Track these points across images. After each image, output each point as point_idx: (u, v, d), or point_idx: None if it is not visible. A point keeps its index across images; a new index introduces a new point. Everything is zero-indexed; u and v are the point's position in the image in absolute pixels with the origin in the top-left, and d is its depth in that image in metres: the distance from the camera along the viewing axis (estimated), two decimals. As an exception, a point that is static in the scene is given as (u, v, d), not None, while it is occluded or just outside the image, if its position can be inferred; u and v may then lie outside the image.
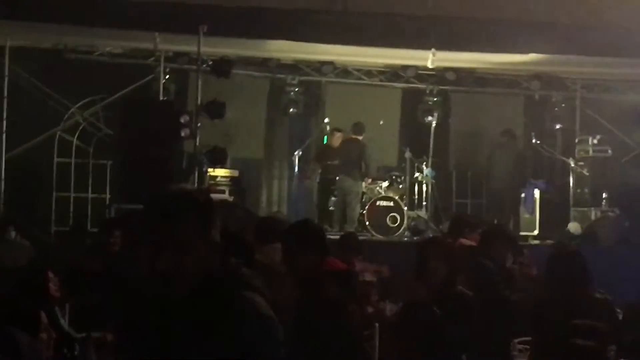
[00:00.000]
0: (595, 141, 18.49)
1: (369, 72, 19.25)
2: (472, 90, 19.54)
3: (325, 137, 18.44)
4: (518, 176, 17.44)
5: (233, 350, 3.39)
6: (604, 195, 18.09)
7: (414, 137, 19.50)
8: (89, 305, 8.25)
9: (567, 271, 7.44)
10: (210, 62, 16.99)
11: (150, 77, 17.46)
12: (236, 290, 3.48)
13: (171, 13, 16.07)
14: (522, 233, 17.36)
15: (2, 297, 6.70)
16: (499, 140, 17.81)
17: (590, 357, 4.94)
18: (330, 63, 18.55)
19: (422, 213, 17.77)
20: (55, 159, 17.10)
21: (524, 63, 18.11)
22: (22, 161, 16.69)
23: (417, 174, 18.12)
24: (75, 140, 17.22)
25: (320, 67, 18.62)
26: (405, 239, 16.83)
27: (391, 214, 16.84)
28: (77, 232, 13.54)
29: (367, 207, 16.88)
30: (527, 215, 18.08)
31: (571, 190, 18.82)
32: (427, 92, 19.34)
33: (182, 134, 15.57)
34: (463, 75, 18.78)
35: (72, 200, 17.06)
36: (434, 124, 18.44)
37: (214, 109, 15.87)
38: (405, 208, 17.08)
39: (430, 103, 19.21)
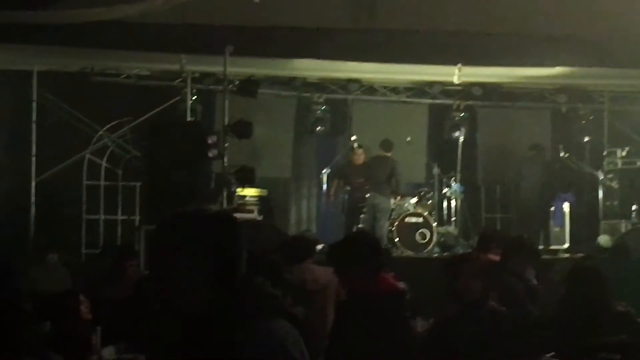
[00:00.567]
0: (623, 153, 18.39)
1: (395, 89, 19.23)
2: (499, 105, 19.47)
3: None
4: (547, 190, 17.39)
5: None
6: (634, 207, 17.97)
7: (441, 153, 19.47)
8: (116, 329, 8.27)
9: (587, 285, 7.42)
10: (237, 82, 17.06)
11: (177, 98, 17.49)
12: (250, 317, 3.44)
13: (197, 34, 16.19)
14: (552, 247, 17.30)
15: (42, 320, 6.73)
16: (527, 155, 17.76)
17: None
18: (357, 81, 18.52)
19: (451, 229, 17.73)
20: (85, 182, 17.18)
21: (550, 76, 18.05)
22: (52, 185, 16.77)
23: (445, 190, 18.10)
24: (104, 163, 17.30)
25: (346, 84, 18.60)
26: (435, 255, 16.76)
27: (420, 230, 16.80)
28: (107, 254, 13.58)
29: (396, 223, 16.84)
30: (556, 229, 18.00)
31: (600, 203, 18.70)
32: (454, 107, 19.29)
33: (210, 155, 15.58)
34: (489, 90, 18.71)
35: (101, 222, 17.14)
36: (461, 140, 18.43)
37: (241, 129, 15.91)
38: (435, 224, 17.04)
39: (457, 119, 19.15)
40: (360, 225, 17.30)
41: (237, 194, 16.45)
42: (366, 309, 6.25)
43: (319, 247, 13.08)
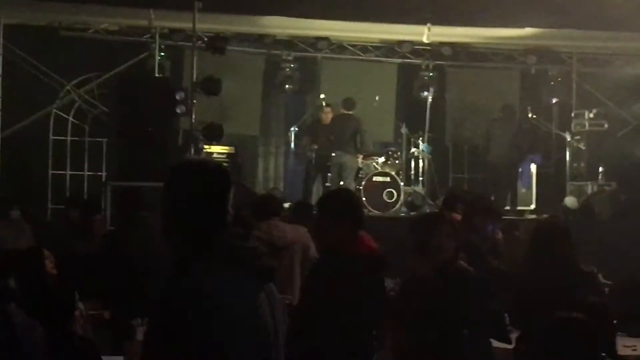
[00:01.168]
0: (591, 115, 18.44)
1: (364, 48, 19.17)
2: (468, 65, 19.48)
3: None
4: (515, 151, 17.38)
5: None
6: (601, 169, 18.08)
7: (410, 112, 19.50)
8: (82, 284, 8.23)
9: (553, 244, 7.46)
10: (206, 39, 16.98)
11: (145, 54, 17.43)
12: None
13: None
14: (519, 208, 17.38)
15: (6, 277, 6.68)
16: (497, 115, 17.77)
17: (579, 329, 4.93)
18: (326, 39, 18.43)
19: (419, 188, 17.74)
20: (51, 137, 17.10)
21: (520, 37, 18.08)
22: (18, 140, 16.64)
23: (413, 149, 18.12)
24: (70, 118, 17.21)
25: (315, 42, 18.50)
26: (402, 214, 16.81)
27: (387, 190, 16.83)
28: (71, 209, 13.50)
29: (363, 182, 16.84)
30: (523, 190, 18.07)
31: (567, 164, 18.78)
32: (423, 67, 19.33)
33: (178, 111, 15.54)
34: (459, 50, 18.71)
35: (68, 178, 17.06)
36: (430, 99, 18.41)
37: (210, 86, 15.81)
38: (402, 183, 17.07)
39: (426, 78, 19.18)
40: (327, 184, 17.29)
41: (204, 150, 16.41)
42: (344, 269, 6.23)
43: (286, 205, 13.08)
